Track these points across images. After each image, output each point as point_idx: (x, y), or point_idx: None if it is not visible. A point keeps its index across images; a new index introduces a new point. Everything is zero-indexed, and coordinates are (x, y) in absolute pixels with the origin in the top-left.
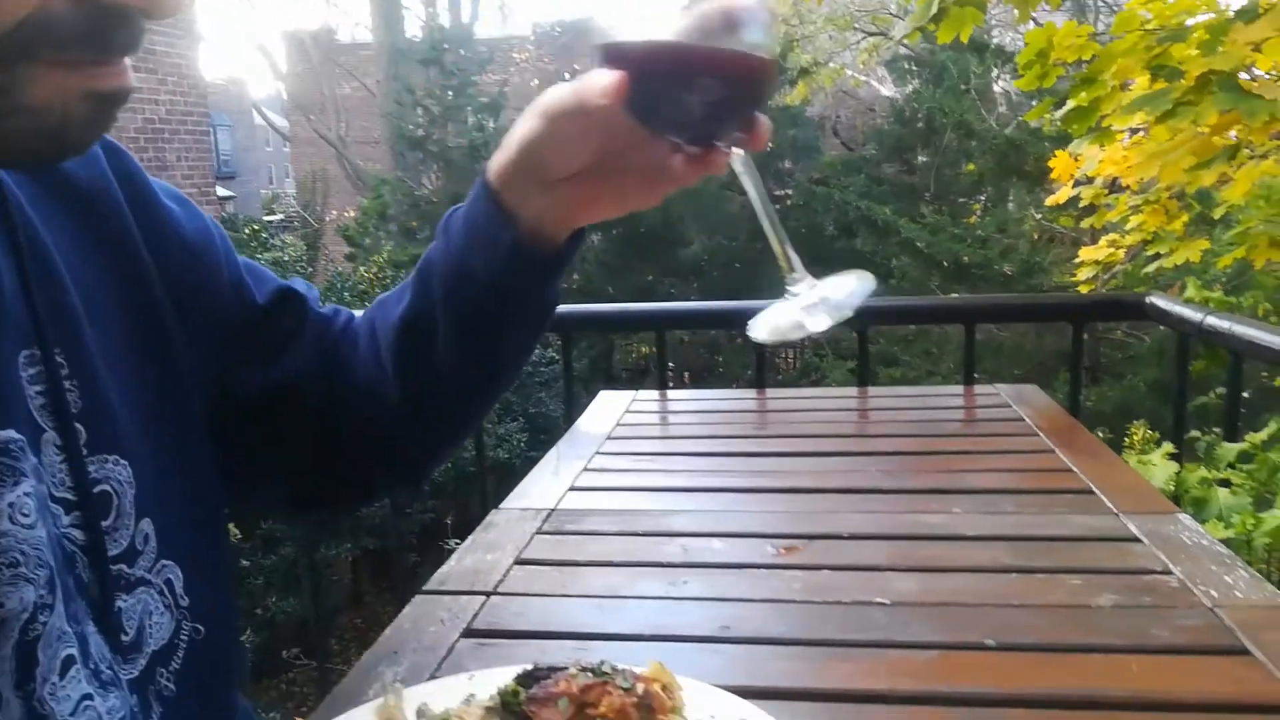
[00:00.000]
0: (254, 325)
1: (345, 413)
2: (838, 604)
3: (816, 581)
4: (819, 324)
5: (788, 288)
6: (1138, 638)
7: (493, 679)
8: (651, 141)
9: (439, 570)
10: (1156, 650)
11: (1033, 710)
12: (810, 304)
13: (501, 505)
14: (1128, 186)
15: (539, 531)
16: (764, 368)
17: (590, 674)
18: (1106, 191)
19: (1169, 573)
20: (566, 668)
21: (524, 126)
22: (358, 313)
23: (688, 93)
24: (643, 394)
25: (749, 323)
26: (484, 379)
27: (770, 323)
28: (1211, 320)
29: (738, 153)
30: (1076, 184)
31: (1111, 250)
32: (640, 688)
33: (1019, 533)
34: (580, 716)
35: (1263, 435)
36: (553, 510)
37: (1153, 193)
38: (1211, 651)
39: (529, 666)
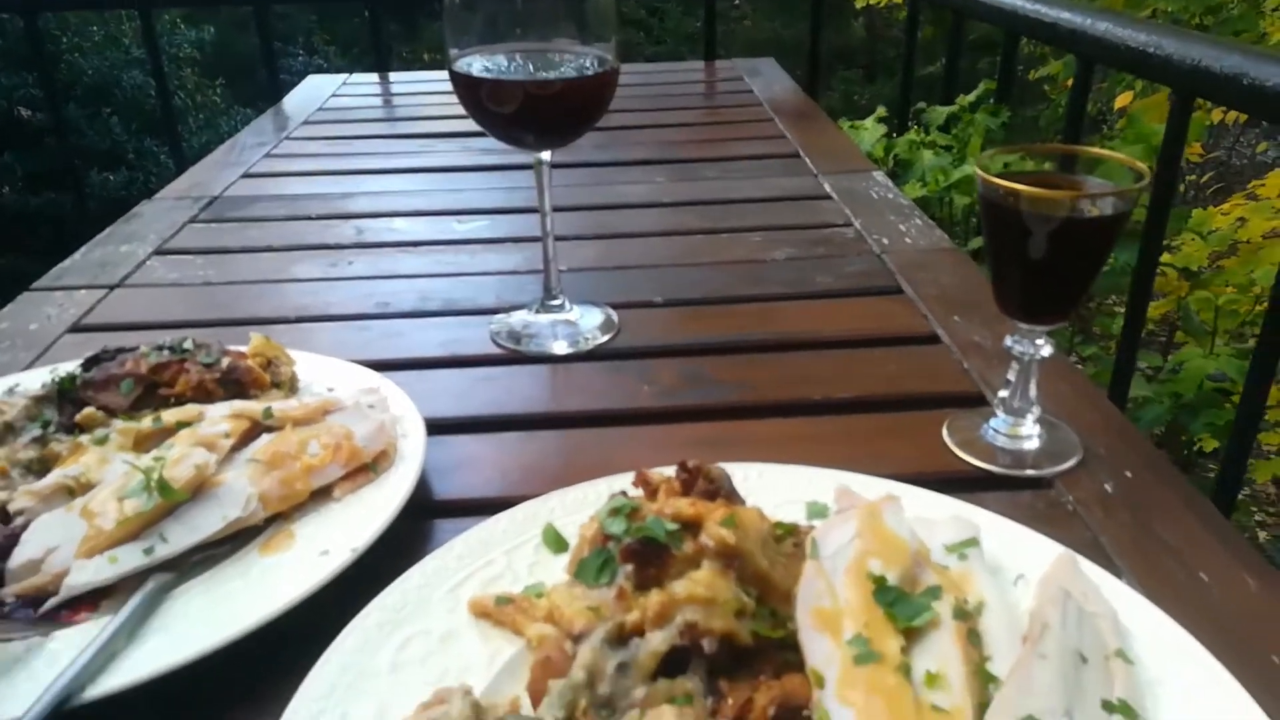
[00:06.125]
0: None
1: None
2: (512, 274)
3: (493, 253)
4: (557, 348)
5: (545, 301)
6: (802, 285)
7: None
8: None
9: (57, 266)
10: (816, 295)
11: (688, 358)
12: (554, 322)
13: (156, 196)
14: None
15: (192, 220)
16: None
17: (168, 352)
18: None
19: (849, 225)
20: (138, 348)
21: None
22: None
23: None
24: (358, 76)
25: (492, 321)
26: None
27: (509, 326)
28: None
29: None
30: None
31: None
32: (225, 362)
33: (714, 197)
34: (150, 398)
35: (971, 97)
36: (215, 198)
37: None
38: (867, 293)
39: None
